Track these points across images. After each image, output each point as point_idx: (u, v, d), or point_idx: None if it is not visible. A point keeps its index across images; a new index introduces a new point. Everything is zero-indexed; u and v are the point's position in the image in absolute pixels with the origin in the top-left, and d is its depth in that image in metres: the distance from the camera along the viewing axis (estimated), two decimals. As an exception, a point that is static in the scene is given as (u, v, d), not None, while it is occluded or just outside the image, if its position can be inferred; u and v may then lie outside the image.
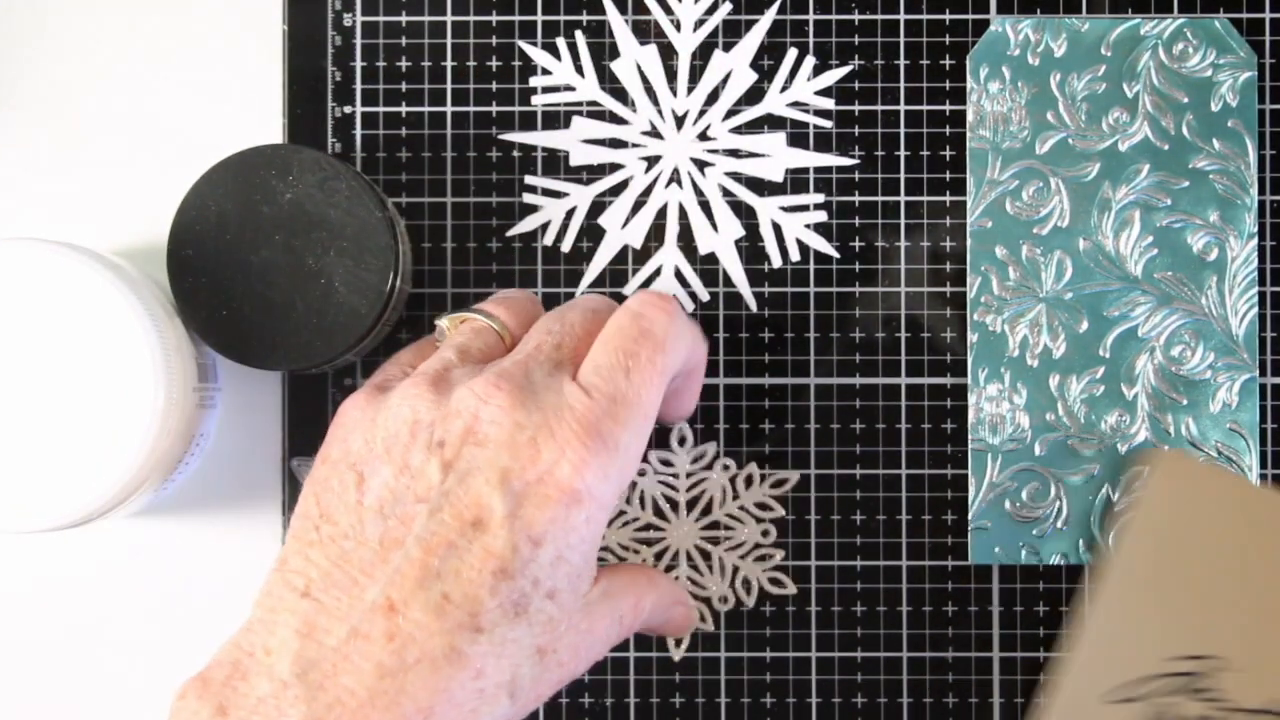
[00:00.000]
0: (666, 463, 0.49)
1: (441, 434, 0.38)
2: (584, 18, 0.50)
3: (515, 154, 0.50)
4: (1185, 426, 0.49)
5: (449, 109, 0.50)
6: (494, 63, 0.50)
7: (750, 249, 0.50)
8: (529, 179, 0.50)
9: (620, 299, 0.50)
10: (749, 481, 0.49)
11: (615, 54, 0.50)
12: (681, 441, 0.48)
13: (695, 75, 0.50)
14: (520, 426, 0.38)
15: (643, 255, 0.50)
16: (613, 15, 0.50)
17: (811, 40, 0.50)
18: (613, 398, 0.39)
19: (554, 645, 0.38)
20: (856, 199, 0.50)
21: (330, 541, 0.38)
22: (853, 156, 0.50)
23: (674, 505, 0.49)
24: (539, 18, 0.50)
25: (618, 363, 0.40)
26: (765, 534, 0.49)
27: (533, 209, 0.50)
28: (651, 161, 0.50)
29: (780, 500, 0.49)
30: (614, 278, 0.50)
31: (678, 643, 0.49)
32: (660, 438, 0.49)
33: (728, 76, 0.50)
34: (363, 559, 0.37)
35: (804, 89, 0.50)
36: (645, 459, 0.47)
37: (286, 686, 0.35)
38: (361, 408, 0.41)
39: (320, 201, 0.45)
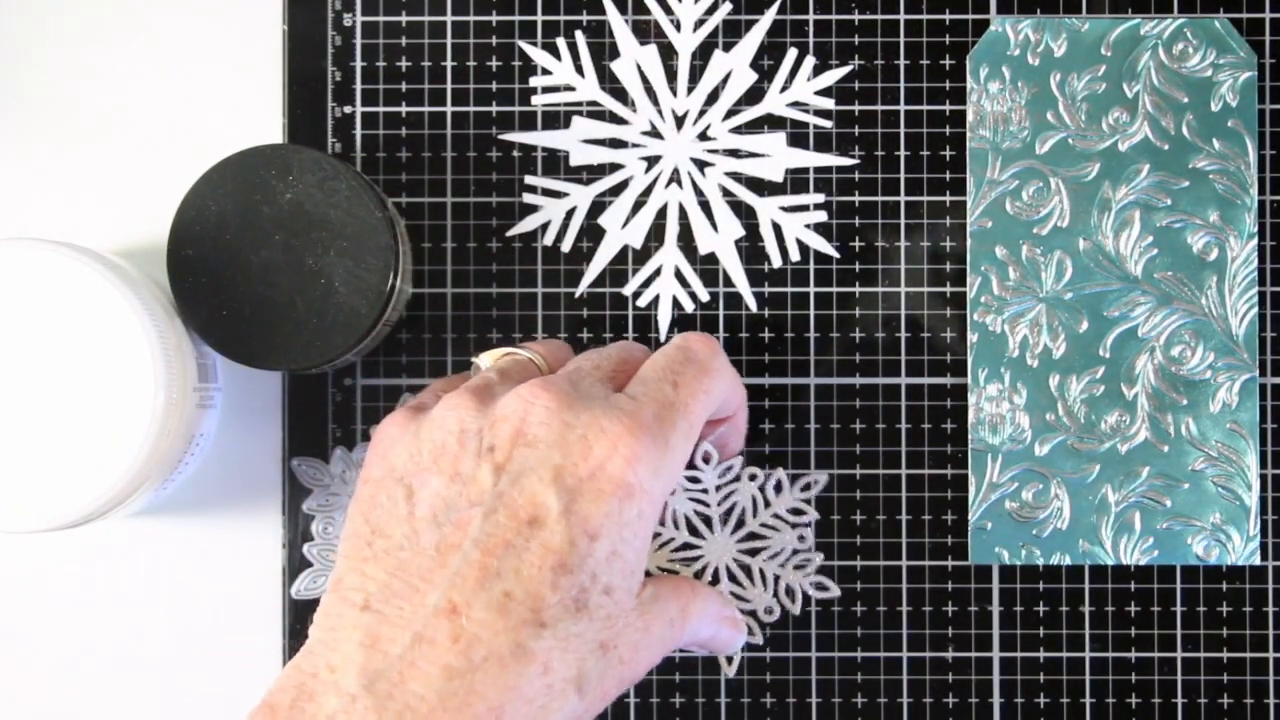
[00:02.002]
0: (695, 480, 0.47)
1: (490, 439, 0.38)
2: (584, 18, 0.50)
3: (515, 154, 0.50)
4: (1185, 426, 0.49)
5: (449, 109, 0.50)
6: (494, 63, 0.50)
7: (750, 249, 0.50)
8: (529, 179, 0.50)
9: (620, 300, 0.50)
10: (779, 488, 0.48)
11: (615, 54, 0.50)
12: (706, 459, 0.47)
13: (695, 75, 0.50)
14: (569, 425, 0.38)
15: (643, 255, 0.50)
16: (613, 15, 0.50)
17: (811, 40, 0.50)
18: (660, 402, 0.40)
19: (615, 641, 0.38)
20: (856, 199, 0.50)
21: (385, 555, 0.38)
22: (853, 156, 0.50)
23: (707, 521, 0.47)
24: (539, 18, 0.50)
25: (664, 377, 0.41)
26: (802, 539, 0.48)
27: (533, 209, 0.50)
28: (651, 161, 0.50)
29: (810, 502, 0.49)
30: (614, 278, 0.50)
31: (729, 660, 0.48)
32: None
33: (728, 76, 0.50)
34: (421, 566, 0.37)
35: (804, 89, 0.50)
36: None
37: (355, 700, 0.35)
38: (401, 425, 0.41)
39: (320, 201, 0.45)
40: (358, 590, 0.37)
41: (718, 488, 0.47)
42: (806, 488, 0.49)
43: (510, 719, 0.35)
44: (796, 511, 0.48)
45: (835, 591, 0.48)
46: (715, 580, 0.47)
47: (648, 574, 0.46)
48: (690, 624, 0.42)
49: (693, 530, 0.48)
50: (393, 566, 0.37)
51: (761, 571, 0.48)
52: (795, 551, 0.48)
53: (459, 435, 0.39)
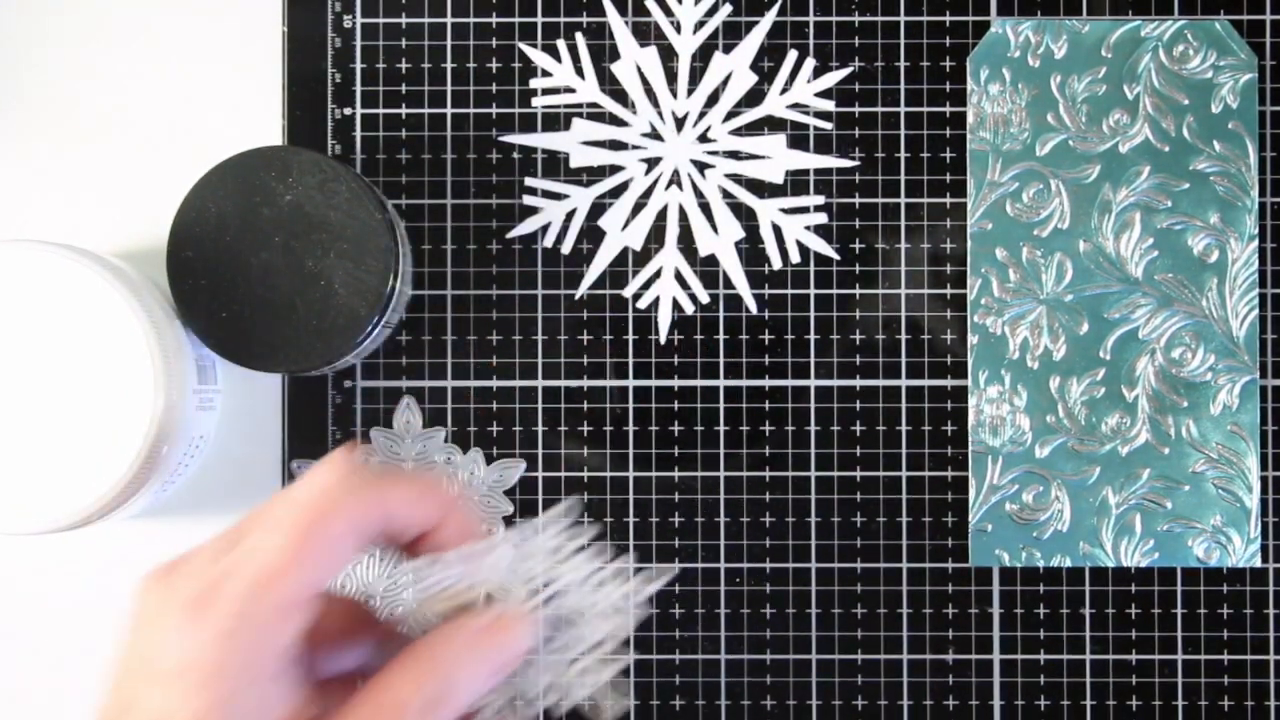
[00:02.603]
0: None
1: None
2: (584, 19, 0.50)
3: (515, 156, 0.50)
4: (1186, 428, 0.49)
5: (449, 111, 0.50)
6: (494, 64, 0.50)
7: (750, 251, 0.50)
8: (529, 181, 0.50)
9: (620, 302, 0.50)
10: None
11: (615, 56, 0.50)
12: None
13: (695, 77, 0.50)
14: None
15: (643, 257, 0.50)
16: (613, 17, 0.50)
17: (812, 42, 0.50)
18: None
19: None
20: (857, 201, 0.50)
21: None
22: (853, 158, 0.50)
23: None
24: (539, 19, 0.50)
25: None
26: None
27: (533, 211, 0.50)
28: (652, 163, 0.50)
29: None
30: (614, 280, 0.50)
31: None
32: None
33: (728, 78, 0.50)
34: None
35: (804, 91, 0.50)
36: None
37: None
38: None
39: (320, 203, 0.45)
40: None
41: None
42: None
43: None
44: (566, 538, 0.37)
45: (672, 571, 0.40)
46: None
47: None
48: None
49: None
50: None
51: (577, 609, 0.38)
52: (594, 571, 0.37)
53: None
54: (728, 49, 0.50)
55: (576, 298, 0.50)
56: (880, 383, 0.50)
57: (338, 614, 0.36)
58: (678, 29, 0.50)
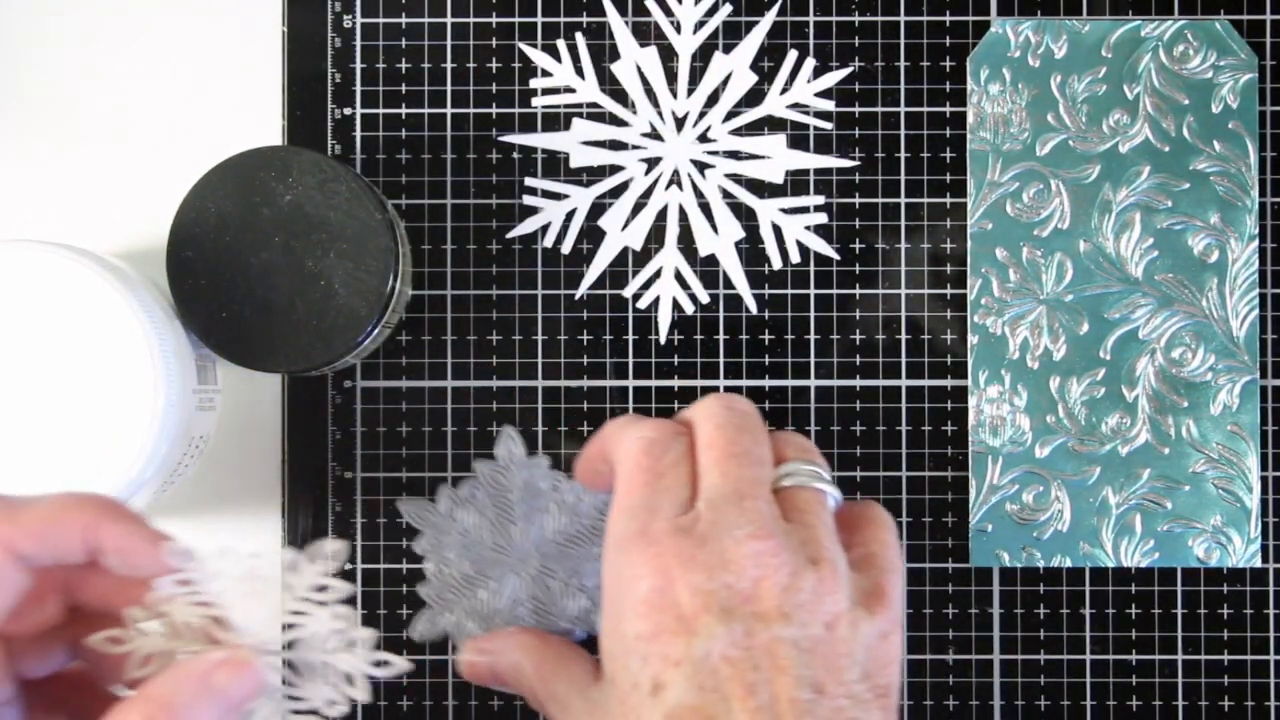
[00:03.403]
0: (185, 582, 0.35)
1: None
2: (584, 19, 0.50)
3: (515, 156, 0.50)
4: (1186, 429, 0.49)
5: (449, 111, 0.50)
6: (494, 64, 0.50)
7: (750, 251, 0.50)
8: (529, 181, 0.50)
9: (620, 302, 0.50)
10: (295, 568, 0.37)
11: (615, 56, 0.50)
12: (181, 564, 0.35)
13: (695, 77, 0.50)
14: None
15: (643, 257, 0.50)
16: (613, 17, 0.50)
17: (812, 42, 0.50)
18: None
19: None
20: (857, 201, 0.50)
21: None
22: (853, 158, 0.50)
23: (220, 623, 0.36)
24: (539, 19, 0.50)
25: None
26: (339, 617, 0.37)
27: (533, 211, 0.50)
28: (652, 163, 0.50)
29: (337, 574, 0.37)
30: (614, 280, 0.50)
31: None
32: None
33: (728, 78, 0.50)
34: None
35: (804, 91, 0.50)
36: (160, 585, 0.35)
37: None
38: None
39: (320, 203, 0.45)
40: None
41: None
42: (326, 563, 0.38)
43: None
44: (319, 589, 0.37)
45: (404, 665, 0.38)
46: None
47: None
48: None
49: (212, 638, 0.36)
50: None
51: (307, 663, 0.38)
52: (336, 632, 0.37)
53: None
54: (728, 49, 0.50)
55: (576, 298, 0.50)
56: (880, 383, 0.50)
57: (40, 618, 0.35)
58: (678, 29, 0.50)
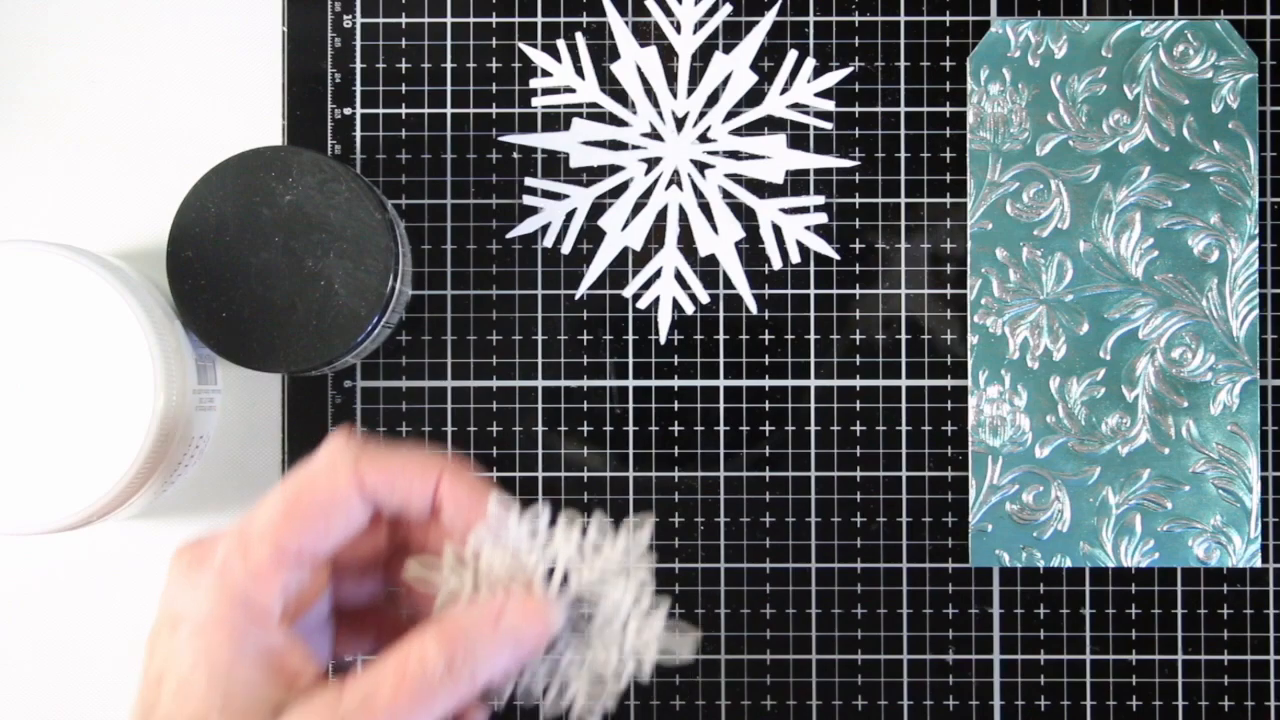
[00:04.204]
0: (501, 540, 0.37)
1: None
2: (584, 19, 0.50)
3: (515, 156, 0.50)
4: (1186, 428, 0.49)
5: (449, 111, 0.50)
6: (494, 64, 0.50)
7: (750, 251, 0.50)
8: (529, 181, 0.50)
9: (620, 302, 0.50)
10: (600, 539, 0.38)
11: (615, 56, 0.50)
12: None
13: (695, 77, 0.50)
14: None
15: (643, 257, 0.50)
16: (613, 17, 0.50)
17: (812, 42, 0.50)
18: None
19: None
20: (857, 201, 0.50)
21: None
22: (853, 158, 0.50)
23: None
24: (539, 19, 0.50)
25: None
26: (637, 599, 0.38)
27: (533, 211, 0.50)
28: (651, 163, 0.50)
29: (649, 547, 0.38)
30: (614, 280, 0.50)
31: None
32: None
33: (728, 78, 0.50)
34: None
35: (804, 91, 0.50)
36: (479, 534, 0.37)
37: None
38: None
39: (320, 203, 0.45)
40: None
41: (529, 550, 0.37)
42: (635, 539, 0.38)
43: None
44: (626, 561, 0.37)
45: (688, 657, 0.38)
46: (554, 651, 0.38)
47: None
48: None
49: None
50: None
51: (603, 641, 0.38)
52: (635, 602, 0.38)
53: None
54: (728, 49, 0.50)
55: (576, 298, 0.50)
56: (880, 383, 0.50)
57: (367, 551, 0.38)
58: (678, 29, 0.50)
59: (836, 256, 0.50)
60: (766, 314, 0.50)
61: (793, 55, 0.50)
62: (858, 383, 0.50)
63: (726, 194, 0.50)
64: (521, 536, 0.38)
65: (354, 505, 0.36)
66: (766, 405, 0.50)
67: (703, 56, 0.50)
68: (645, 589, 0.38)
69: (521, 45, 0.50)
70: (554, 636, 0.37)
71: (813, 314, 0.50)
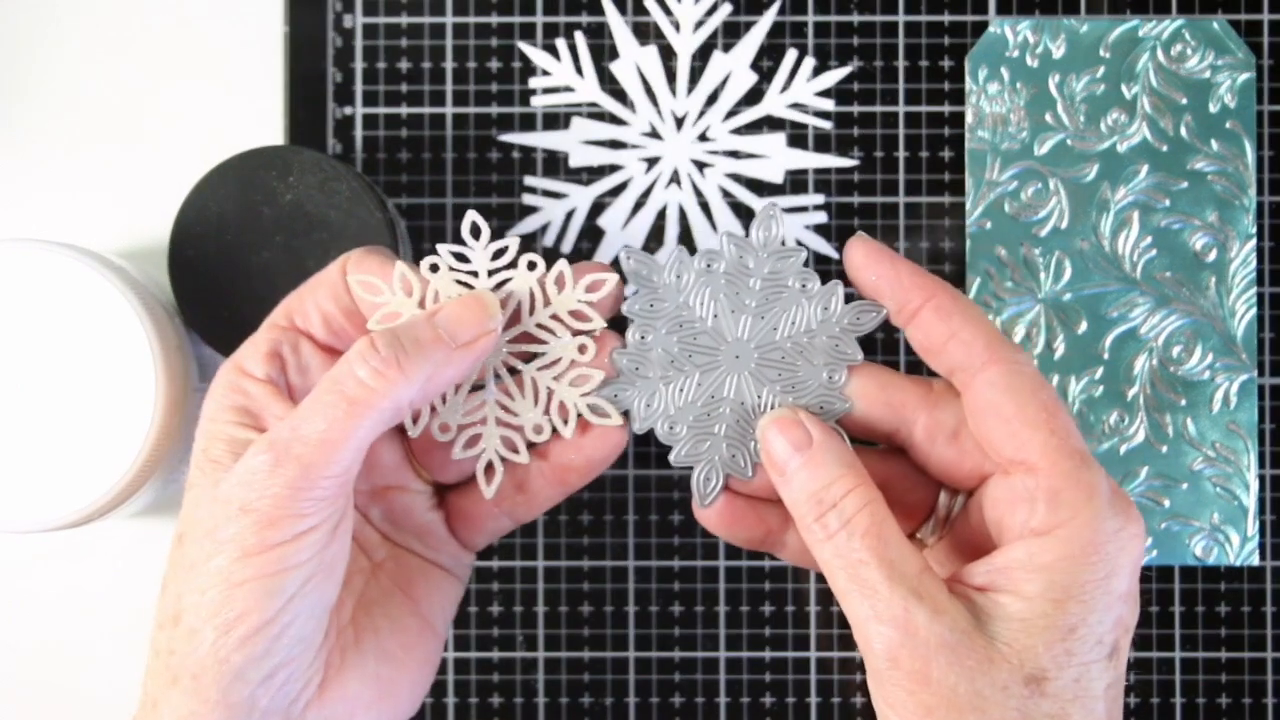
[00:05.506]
0: (461, 257, 0.38)
1: None
2: (584, 19, 0.50)
3: (515, 155, 0.50)
4: (1184, 427, 0.49)
5: (449, 110, 0.50)
6: (494, 64, 0.50)
7: (750, 250, 0.50)
8: (529, 180, 0.50)
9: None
10: (560, 284, 0.38)
11: (615, 55, 0.50)
12: (475, 232, 0.38)
13: (695, 76, 0.50)
14: None
15: (642, 256, 0.50)
16: (612, 16, 0.50)
17: (811, 41, 0.50)
18: None
19: None
20: (856, 200, 0.50)
21: None
22: (852, 157, 0.50)
23: None
24: (539, 19, 0.50)
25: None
26: (582, 349, 0.38)
27: (533, 210, 0.50)
28: (651, 162, 0.50)
29: (598, 308, 0.38)
30: (614, 278, 0.50)
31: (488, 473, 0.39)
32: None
33: (727, 78, 0.50)
34: None
35: (803, 90, 0.50)
36: (436, 252, 0.38)
37: None
38: None
39: (321, 203, 0.45)
40: None
41: (490, 272, 0.38)
42: (592, 288, 0.38)
43: None
44: (579, 316, 0.38)
45: (615, 420, 0.38)
46: (480, 384, 0.39)
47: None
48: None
49: None
50: None
51: (534, 382, 0.39)
52: (573, 364, 0.38)
53: None
54: (727, 48, 0.50)
55: (576, 297, 0.50)
56: (879, 381, 0.50)
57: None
58: (677, 28, 0.50)
59: (836, 256, 0.50)
60: (766, 313, 0.50)
61: (792, 54, 0.50)
62: (857, 381, 0.50)
63: (726, 193, 0.50)
64: (482, 261, 0.38)
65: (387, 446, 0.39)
66: (766, 404, 0.50)
67: (702, 56, 0.50)
68: (595, 342, 0.38)
69: (521, 45, 0.50)
70: (489, 333, 0.37)
71: (812, 313, 0.50)
